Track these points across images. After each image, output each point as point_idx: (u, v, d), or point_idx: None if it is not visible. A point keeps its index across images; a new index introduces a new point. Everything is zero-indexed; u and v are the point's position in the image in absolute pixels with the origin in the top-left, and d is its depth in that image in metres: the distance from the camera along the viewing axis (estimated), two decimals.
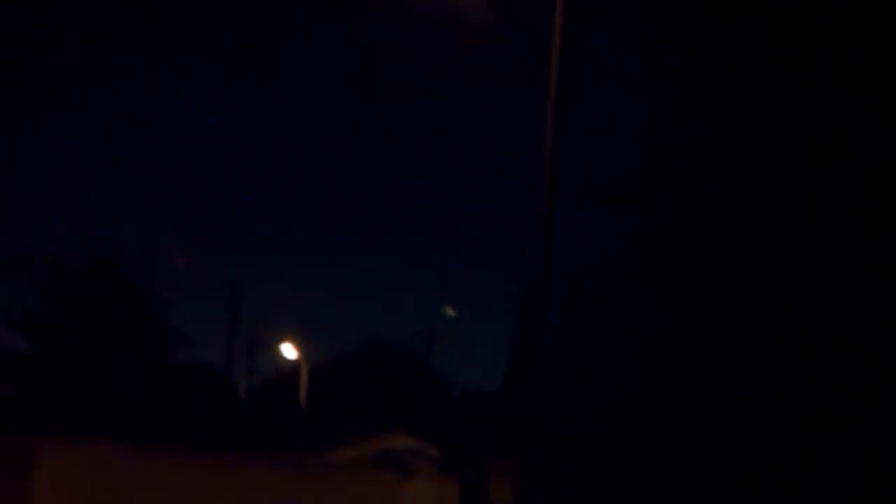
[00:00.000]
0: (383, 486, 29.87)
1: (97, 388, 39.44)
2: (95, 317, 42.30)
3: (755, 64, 11.96)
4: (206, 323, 59.66)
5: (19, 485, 25.45)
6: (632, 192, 13.01)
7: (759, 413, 11.48)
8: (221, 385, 46.57)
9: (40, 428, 30.12)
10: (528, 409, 17.09)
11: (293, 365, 47.92)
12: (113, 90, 71.96)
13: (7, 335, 43.48)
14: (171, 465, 28.02)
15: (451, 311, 54.20)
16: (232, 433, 40.68)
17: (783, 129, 11.53)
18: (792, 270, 10.97)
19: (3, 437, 26.93)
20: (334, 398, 47.57)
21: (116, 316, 42.68)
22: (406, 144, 74.07)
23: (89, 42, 61.85)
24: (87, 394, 38.73)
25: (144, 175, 71.88)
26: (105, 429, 32.86)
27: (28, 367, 39.66)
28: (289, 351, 47.28)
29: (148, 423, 37.03)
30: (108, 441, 28.55)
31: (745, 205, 11.58)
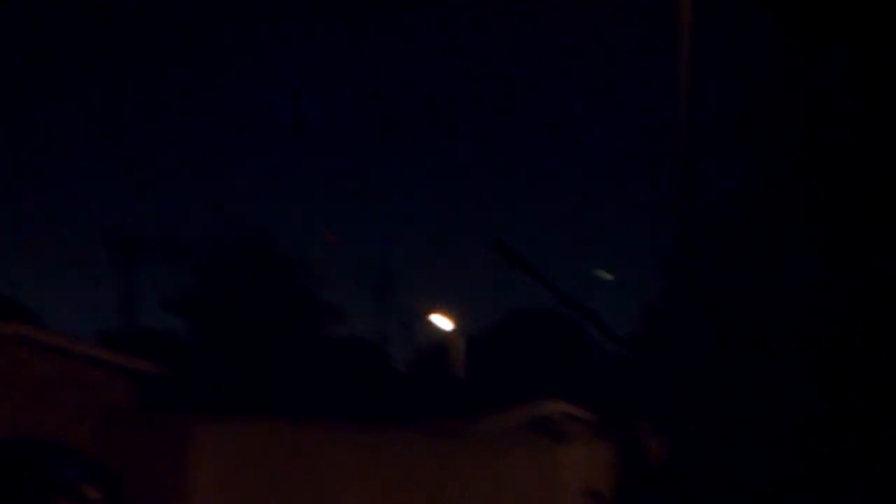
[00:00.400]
0: (538, 452, 29.74)
1: (253, 366, 39.90)
2: (250, 295, 42.78)
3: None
4: (358, 298, 59.99)
5: (177, 464, 25.86)
6: (744, 132, 12.36)
7: None
8: (375, 358, 46.84)
9: (196, 408, 30.54)
10: (679, 369, 16.72)
11: (446, 336, 47.95)
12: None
13: (164, 319, 44.32)
14: (327, 439, 28.24)
15: (606, 274, 53.67)
16: (387, 405, 40.85)
17: None
18: None
19: (161, 419, 27.36)
20: (487, 368, 47.51)
21: (270, 294, 43.11)
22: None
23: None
24: (242, 372, 39.21)
25: (287, 152, 72.57)
26: (261, 406, 33.19)
27: (183, 349, 40.29)
28: (441, 321, 47.32)
29: (304, 399, 37.33)
30: (263, 418, 28.85)
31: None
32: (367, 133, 73.51)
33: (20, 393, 25.96)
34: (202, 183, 70.67)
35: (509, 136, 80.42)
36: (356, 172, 75.70)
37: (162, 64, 70.44)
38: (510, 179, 79.17)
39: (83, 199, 62.32)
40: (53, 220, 70.42)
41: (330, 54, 74.35)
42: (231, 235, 43.97)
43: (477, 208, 78.43)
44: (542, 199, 78.75)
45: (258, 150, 74.03)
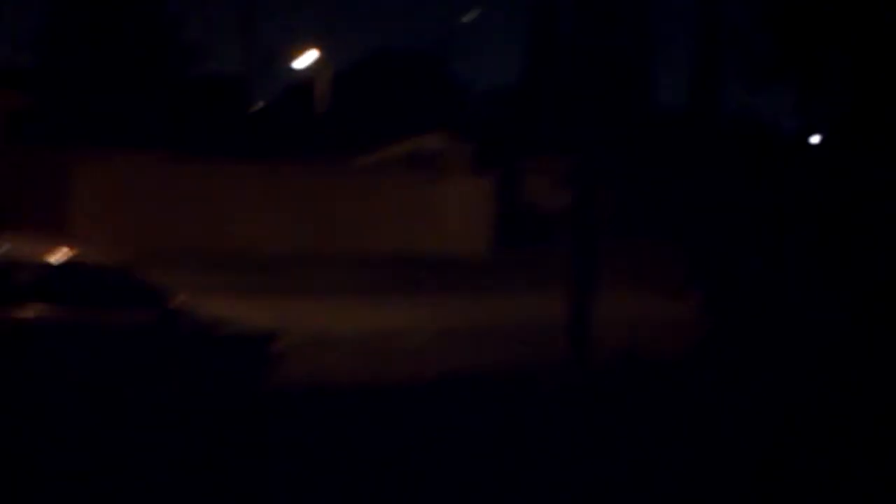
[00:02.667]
0: (419, 186, 29.75)
1: (114, 102, 38.93)
2: (107, 30, 41.42)
3: None
4: (221, 34, 58.40)
5: (56, 198, 25.36)
6: None
7: None
8: (240, 96, 45.97)
9: (71, 142, 29.69)
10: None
11: (310, 74, 47.24)
12: None
13: (15, 54, 42.74)
14: (204, 173, 27.91)
15: (472, 14, 53.48)
16: (255, 143, 40.38)
17: None
18: None
19: (37, 152, 26.66)
20: (355, 107, 47.06)
21: (129, 29, 41.80)
22: None
23: None
24: (104, 108, 38.24)
25: None
26: (129, 142, 32.47)
27: (42, 80, 38.97)
28: (305, 59, 46.50)
29: (169, 136, 36.67)
30: (139, 152, 28.35)
31: None
32: None
33: None
34: None
35: None
36: None
37: None
38: None
39: None
40: None
41: None
42: None
43: None
44: None
45: None
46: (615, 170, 15.42)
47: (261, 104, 49.45)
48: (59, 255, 12.02)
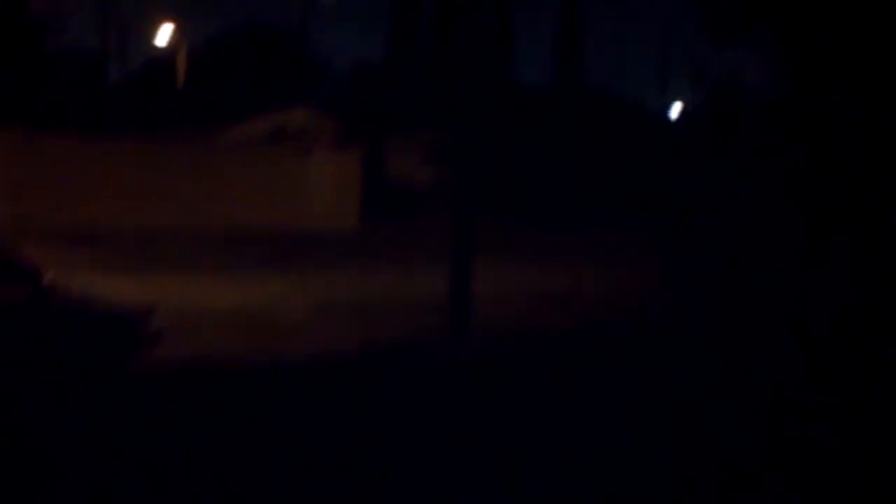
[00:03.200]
0: (284, 160, 29.44)
1: None
2: None
3: None
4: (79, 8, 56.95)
5: None
6: None
7: None
8: (98, 71, 45.03)
9: None
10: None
11: (169, 49, 46.44)
12: None
13: None
14: (65, 148, 27.30)
15: None
16: (116, 119, 39.56)
17: None
18: None
19: None
20: (215, 82, 46.38)
21: None
22: None
23: None
24: None
25: None
26: None
27: None
28: (163, 35, 45.70)
29: (25, 111, 35.71)
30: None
31: None
32: None
33: None
34: None
35: None
36: None
37: None
38: None
39: None
40: None
41: None
42: None
43: None
44: None
45: None
46: (485, 146, 15.37)
47: (120, 79, 48.44)
48: None
